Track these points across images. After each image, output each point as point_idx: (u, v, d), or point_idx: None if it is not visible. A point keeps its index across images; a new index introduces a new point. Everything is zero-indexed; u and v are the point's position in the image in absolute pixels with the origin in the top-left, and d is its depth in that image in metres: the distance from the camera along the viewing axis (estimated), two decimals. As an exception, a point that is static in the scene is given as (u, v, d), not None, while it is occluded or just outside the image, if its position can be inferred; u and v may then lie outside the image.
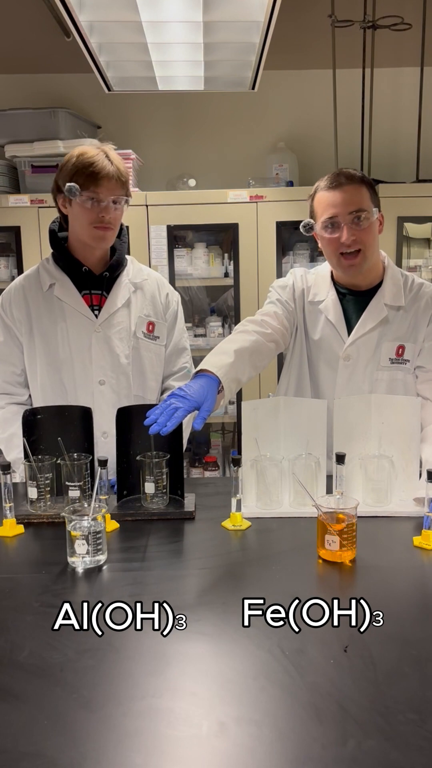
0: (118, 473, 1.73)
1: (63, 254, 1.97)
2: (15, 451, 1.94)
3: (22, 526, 1.61)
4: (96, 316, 1.97)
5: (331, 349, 1.93)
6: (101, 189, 1.82)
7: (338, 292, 1.95)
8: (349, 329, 1.92)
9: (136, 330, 2.01)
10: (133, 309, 2.01)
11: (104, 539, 1.43)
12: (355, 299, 1.92)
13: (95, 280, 1.98)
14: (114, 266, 1.99)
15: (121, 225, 1.99)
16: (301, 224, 1.86)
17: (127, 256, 2.06)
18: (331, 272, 1.97)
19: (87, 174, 1.81)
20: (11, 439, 1.96)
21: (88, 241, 1.90)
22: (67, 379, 1.96)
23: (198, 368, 1.66)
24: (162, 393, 2.13)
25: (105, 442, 1.91)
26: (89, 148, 1.87)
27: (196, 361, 3.61)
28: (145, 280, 2.06)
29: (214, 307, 3.53)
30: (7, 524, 1.58)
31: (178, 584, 1.33)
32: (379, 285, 1.91)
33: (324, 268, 2.01)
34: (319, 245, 1.88)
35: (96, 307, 1.98)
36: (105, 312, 1.97)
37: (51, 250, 2.02)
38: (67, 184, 1.82)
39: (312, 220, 1.86)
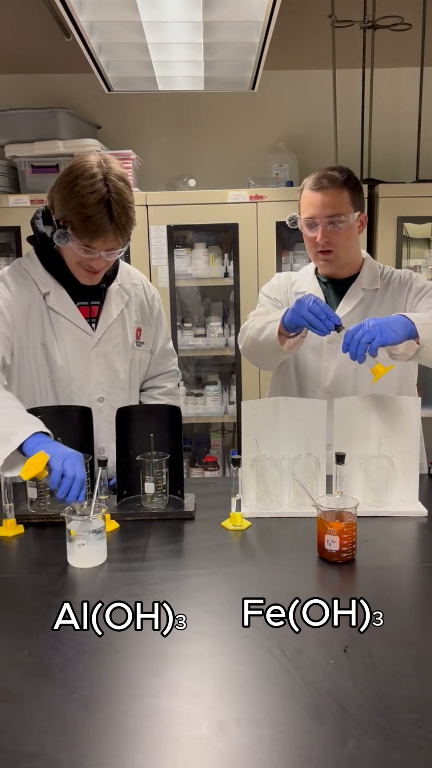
0: (118, 473, 1.73)
1: (56, 264, 1.82)
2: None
3: (21, 526, 1.61)
4: (93, 329, 1.87)
5: (317, 335, 1.95)
6: (95, 244, 1.69)
7: (322, 282, 2.05)
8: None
9: (132, 341, 1.94)
10: (127, 319, 1.94)
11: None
12: (335, 287, 2.02)
13: (88, 290, 1.86)
14: (110, 276, 1.89)
15: None
16: (288, 217, 1.97)
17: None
18: (315, 268, 2.09)
19: (84, 226, 1.65)
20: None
21: (74, 273, 1.81)
22: (63, 397, 1.86)
23: None
24: (143, 391, 2.08)
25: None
26: (94, 184, 1.64)
27: (197, 361, 3.62)
28: (134, 285, 1.98)
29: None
30: (7, 524, 1.58)
31: (178, 584, 1.33)
32: (358, 274, 2.02)
33: (310, 266, 2.12)
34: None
35: (91, 319, 1.86)
36: (102, 325, 1.87)
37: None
38: (59, 230, 1.68)
39: (297, 214, 1.97)
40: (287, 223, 1.96)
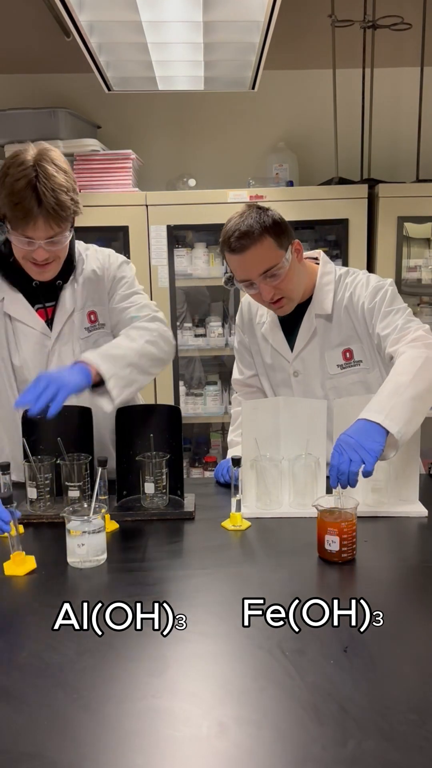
0: (118, 473, 1.73)
1: (9, 269, 1.78)
2: None
3: (22, 526, 1.61)
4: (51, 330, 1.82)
5: (282, 368, 1.94)
6: (29, 232, 1.61)
7: None
8: (292, 344, 1.91)
9: (80, 330, 1.85)
10: (78, 310, 1.85)
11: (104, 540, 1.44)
12: (293, 313, 1.88)
13: (47, 291, 1.80)
14: (66, 271, 1.81)
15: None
16: (223, 280, 1.86)
17: (76, 247, 1.86)
18: None
19: (13, 214, 1.59)
20: None
21: (28, 272, 1.75)
22: None
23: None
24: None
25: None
26: (20, 176, 1.57)
27: (197, 361, 3.62)
28: (94, 271, 1.87)
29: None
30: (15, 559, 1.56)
31: (178, 584, 1.33)
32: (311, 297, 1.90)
33: None
34: None
35: (49, 320, 1.83)
36: (57, 324, 1.82)
37: None
38: None
39: (231, 274, 1.85)
40: (225, 285, 1.86)
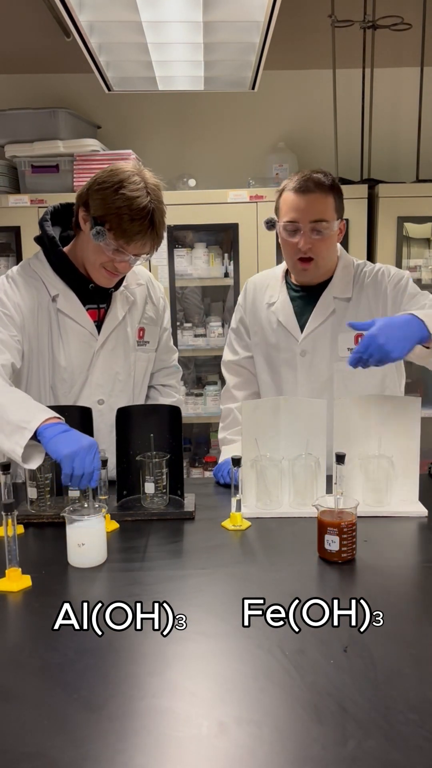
0: (118, 473, 1.73)
1: (66, 267, 1.83)
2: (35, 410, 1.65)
3: (22, 526, 1.61)
4: (99, 332, 1.87)
5: (289, 348, 1.97)
6: (130, 247, 1.71)
7: (292, 289, 2.00)
8: (303, 325, 1.96)
9: (134, 343, 1.94)
10: (129, 321, 1.93)
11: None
12: (307, 295, 1.97)
13: (96, 293, 1.87)
14: (121, 280, 1.89)
15: None
16: (264, 220, 1.91)
17: None
18: (285, 270, 2.03)
19: (128, 227, 1.67)
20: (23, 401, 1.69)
21: (90, 274, 1.81)
22: (64, 399, 1.86)
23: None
24: (148, 390, 2.08)
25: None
26: (139, 189, 1.67)
27: (197, 361, 3.62)
28: (140, 285, 1.98)
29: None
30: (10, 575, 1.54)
31: (178, 584, 1.33)
32: (331, 279, 1.96)
33: (279, 268, 2.07)
34: (279, 241, 1.93)
35: (97, 322, 1.87)
36: (107, 328, 1.87)
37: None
38: (97, 227, 1.67)
39: (275, 217, 1.90)
40: (264, 226, 1.90)
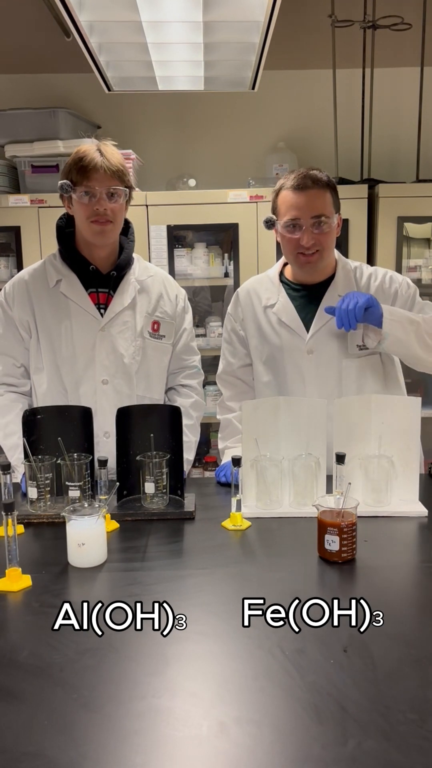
0: (118, 473, 1.73)
1: (69, 251, 1.97)
2: (11, 438, 1.94)
3: (22, 526, 1.61)
4: (102, 314, 1.96)
5: (295, 347, 1.97)
6: (93, 182, 1.83)
7: (291, 289, 2.01)
8: (307, 323, 1.96)
9: (142, 330, 2.00)
10: (138, 308, 2.00)
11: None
12: (308, 294, 1.99)
13: (102, 279, 1.97)
14: (121, 265, 1.99)
15: (129, 223, 2.02)
16: (263, 219, 1.94)
17: (134, 255, 2.06)
18: (280, 272, 2.05)
19: (78, 169, 1.83)
20: (7, 425, 1.96)
21: (88, 237, 1.90)
22: (69, 378, 1.95)
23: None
24: (168, 391, 2.12)
25: (107, 442, 1.90)
26: (86, 145, 1.88)
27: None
28: (151, 277, 2.05)
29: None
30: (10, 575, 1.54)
31: (178, 584, 1.33)
32: (332, 277, 1.98)
33: (271, 270, 2.08)
34: (278, 239, 1.95)
35: (102, 305, 1.97)
36: (111, 311, 1.96)
37: (56, 248, 2.01)
38: (60, 182, 1.85)
39: (274, 216, 1.93)
40: (264, 225, 1.93)
